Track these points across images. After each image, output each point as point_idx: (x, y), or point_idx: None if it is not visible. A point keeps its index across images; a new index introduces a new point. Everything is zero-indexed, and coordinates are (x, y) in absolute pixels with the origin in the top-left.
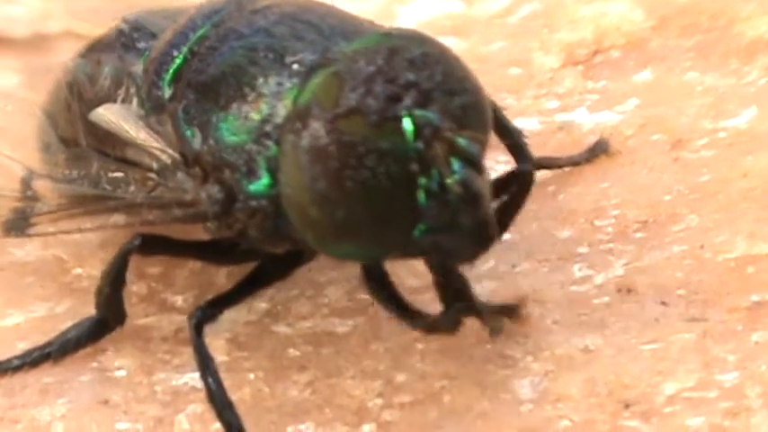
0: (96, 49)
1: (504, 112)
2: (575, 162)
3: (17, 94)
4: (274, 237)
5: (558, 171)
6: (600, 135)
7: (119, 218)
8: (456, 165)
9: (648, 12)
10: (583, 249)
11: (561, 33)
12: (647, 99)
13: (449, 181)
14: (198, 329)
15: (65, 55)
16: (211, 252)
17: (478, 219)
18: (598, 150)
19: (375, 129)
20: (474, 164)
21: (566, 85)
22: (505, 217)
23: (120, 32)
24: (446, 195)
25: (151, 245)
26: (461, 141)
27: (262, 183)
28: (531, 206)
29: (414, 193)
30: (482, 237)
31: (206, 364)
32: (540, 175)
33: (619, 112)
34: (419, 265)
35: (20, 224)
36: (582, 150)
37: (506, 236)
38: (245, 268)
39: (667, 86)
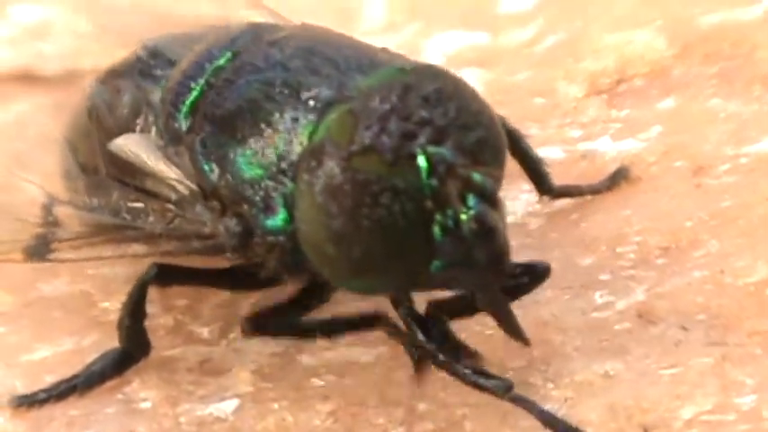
0: (115, 74)
1: (529, 141)
2: (596, 190)
3: (39, 121)
4: (293, 270)
5: (581, 199)
6: (621, 163)
7: (138, 248)
8: (471, 200)
9: (671, 40)
10: (604, 276)
11: (585, 63)
12: (671, 126)
13: (463, 217)
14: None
15: None
16: (231, 280)
17: (494, 253)
18: (619, 178)
19: (389, 167)
20: (488, 198)
21: (590, 114)
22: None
23: (138, 59)
24: (461, 231)
25: (168, 274)
26: (476, 177)
27: (278, 218)
28: (553, 234)
29: (429, 229)
30: (498, 269)
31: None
32: (563, 203)
33: (642, 139)
34: (445, 296)
35: (41, 250)
36: (603, 178)
37: None
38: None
39: (690, 114)
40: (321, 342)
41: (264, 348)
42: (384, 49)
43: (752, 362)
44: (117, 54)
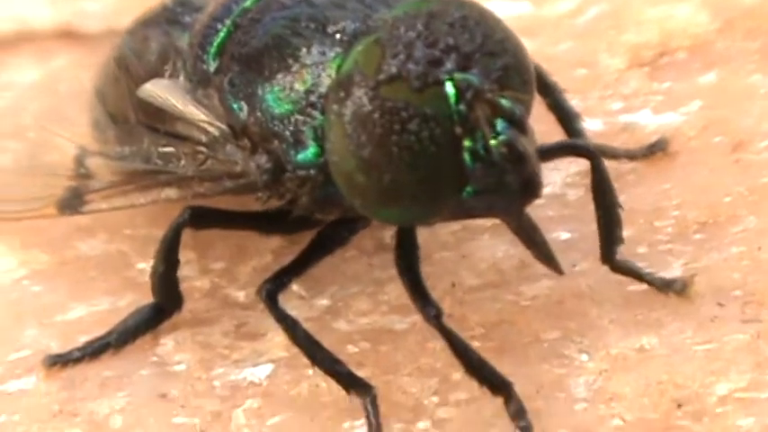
0: (143, 24)
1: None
2: (631, 156)
3: (75, 77)
4: (325, 204)
5: (620, 172)
6: (661, 136)
7: (170, 192)
8: (500, 125)
9: (714, 14)
10: (642, 249)
11: (628, 35)
12: (711, 101)
13: (493, 142)
14: (272, 299)
15: None
16: (263, 221)
17: (525, 177)
18: (656, 148)
19: (417, 94)
20: (517, 123)
21: (631, 86)
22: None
23: (165, 8)
24: (491, 157)
25: (202, 217)
26: (504, 102)
27: (309, 152)
28: (591, 206)
29: (459, 155)
30: (529, 193)
31: (293, 328)
32: None
33: (682, 113)
34: (480, 264)
35: (73, 202)
36: (641, 146)
37: (567, 235)
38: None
39: (731, 88)
40: (357, 308)
41: (300, 314)
42: None
43: None
44: None
